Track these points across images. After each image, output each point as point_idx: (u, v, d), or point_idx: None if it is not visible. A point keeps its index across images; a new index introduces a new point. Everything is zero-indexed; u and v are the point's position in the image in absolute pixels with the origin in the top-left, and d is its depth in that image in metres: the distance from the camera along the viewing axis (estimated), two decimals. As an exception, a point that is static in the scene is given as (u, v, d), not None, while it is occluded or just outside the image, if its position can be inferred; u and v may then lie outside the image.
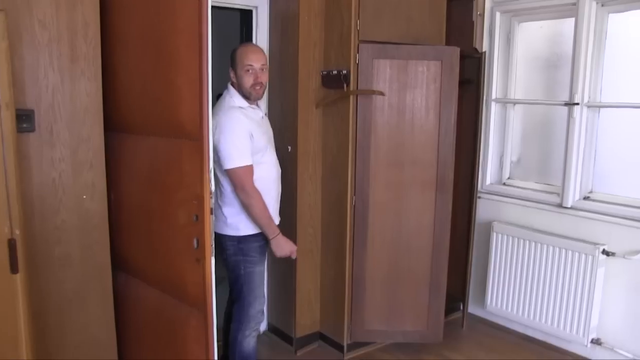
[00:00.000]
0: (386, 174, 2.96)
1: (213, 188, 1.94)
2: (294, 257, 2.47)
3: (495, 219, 3.55)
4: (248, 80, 2.34)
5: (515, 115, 3.67)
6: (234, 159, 2.29)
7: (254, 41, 3.17)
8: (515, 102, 3.60)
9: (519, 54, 3.59)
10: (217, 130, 2.23)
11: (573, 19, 3.10)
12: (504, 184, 3.68)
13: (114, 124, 2.33)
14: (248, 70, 2.33)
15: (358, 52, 2.82)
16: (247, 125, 2.29)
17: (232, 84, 2.43)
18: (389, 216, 3.01)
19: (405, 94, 2.91)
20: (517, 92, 3.63)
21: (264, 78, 2.38)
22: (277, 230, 2.41)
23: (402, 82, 2.89)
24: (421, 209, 3.02)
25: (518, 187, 3.58)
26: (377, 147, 2.93)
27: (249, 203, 2.33)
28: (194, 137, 1.92)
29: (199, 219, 1.92)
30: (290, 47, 2.99)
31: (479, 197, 3.57)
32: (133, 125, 2.28)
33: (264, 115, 2.53)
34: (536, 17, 3.46)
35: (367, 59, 2.85)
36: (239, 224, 2.41)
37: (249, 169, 2.31)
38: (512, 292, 3.40)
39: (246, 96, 2.38)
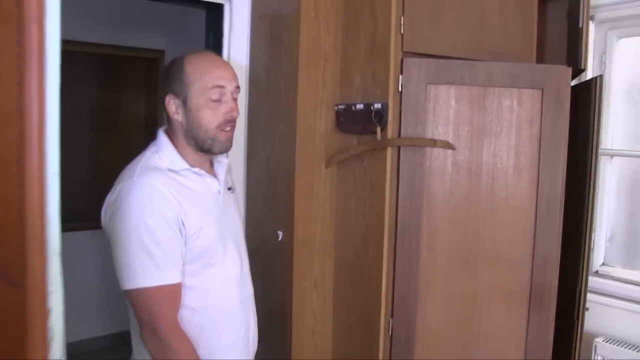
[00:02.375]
0: (448, 280, 1.77)
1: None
2: None
3: (598, 333, 2.29)
4: (216, 115, 1.35)
5: (612, 171, 2.50)
6: (136, 274, 1.24)
7: (225, 55, 1.98)
8: (613, 154, 2.47)
9: (617, 82, 2.47)
10: (112, 214, 1.28)
11: None
12: (597, 272, 2.50)
13: None
14: (215, 97, 1.34)
15: (402, 73, 1.66)
16: (175, 208, 1.27)
17: (170, 127, 1.39)
18: (451, 350, 1.74)
19: (482, 144, 1.74)
20: (615, 138, 2.50)
21: (238, 109, 1.41)
22: None
23: (477, 124, 1.73)
24: (505, 337, 1.81)
25: (621, 279, 2.34)
26: (432, 234, 1.75)
27: (160, 351, 1.25)
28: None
29: None
30: (284, 63, 1.86)
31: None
32: None
33: (223, 188, 1.45)
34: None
35: (418, 84, 1.69)
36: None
37: (170, 290, 1.26)
38: None
39: (200, 147, 1.37)
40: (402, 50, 1.69)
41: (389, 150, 1.71)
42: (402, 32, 1.69)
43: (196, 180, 1.36)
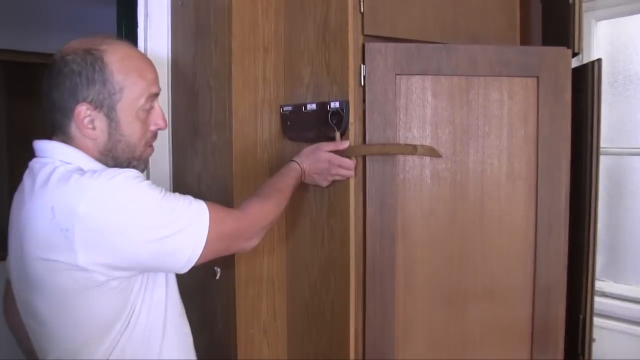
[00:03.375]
0: (431, 320, 1.43)
1: None
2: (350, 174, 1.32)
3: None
4: (144, 128, 1.08)
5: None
6: (191, 213, 1.03)
7: (141, 48, 1.64)
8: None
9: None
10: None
11: None
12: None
13: None
14: (149, 107, 1.08)
15: (364, 62, 1.33)
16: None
17: (69, 143, 1.05)
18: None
19: (468, 149, 1.41)
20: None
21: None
22: (296, 166, 1.35)
23: (460, 123, 1.40)
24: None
25: (616, 296, 2.10)
26: (410, 265, 1.40)
27: (265, 213, 1.19)
28: None
29: None
30: (214, 57, 1.51)
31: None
32: None
33: None
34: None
35: (385, 76, 1.35)
36: None
37: (215, 205, 1.09)
38: None
39: (119, 162, 1.07)
40: (362, 34, 1.34)
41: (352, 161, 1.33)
42: (361, 10, 1.33)
43: None
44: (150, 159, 1.58)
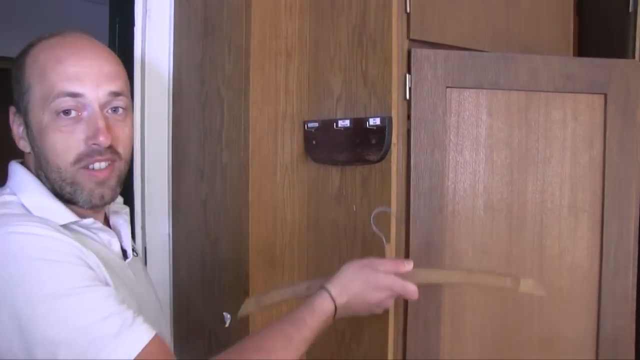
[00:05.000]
0: None
1: None
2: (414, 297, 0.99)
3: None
4: (71, 141, 0.84)
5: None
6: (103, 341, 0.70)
7: (138, 54, 1.46)
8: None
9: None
10: None
11: None
12: None
13: None
14: (65, 109, 0.83)
15: (410, 71, 1.15)
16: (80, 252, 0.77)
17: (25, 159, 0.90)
18: None
19: (526, 176, 1.23)
20: None
21: (122, 134, 0.89)
22: (328, 300, 0.93)
23: (518, 147, 1.23)
24: None
25: None
26: (458, 312, 1.22)
27: None
28: None
29: None
30: (227, 62, 1.33)
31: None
32: None
33: (130, 249, 0.98)
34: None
35: (435, 88, 1.18)
36: None
37: (157, 344, 0.74)
38: None
39: (59, 194, 0.85)
40: (408, 38, 1.15)
41: (394, 188, 1.13)
42: (407, 10, 1.15)
43: (90, 238, 0.88)
44: (146, 181, 1.39)
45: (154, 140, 1.44)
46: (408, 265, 0.95)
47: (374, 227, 1.01)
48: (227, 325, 1.26)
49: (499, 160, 1.19)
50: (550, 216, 1.22)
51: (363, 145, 1.15)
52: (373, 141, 1.14)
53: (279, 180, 1.27)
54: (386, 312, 1.11)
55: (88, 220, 0.86)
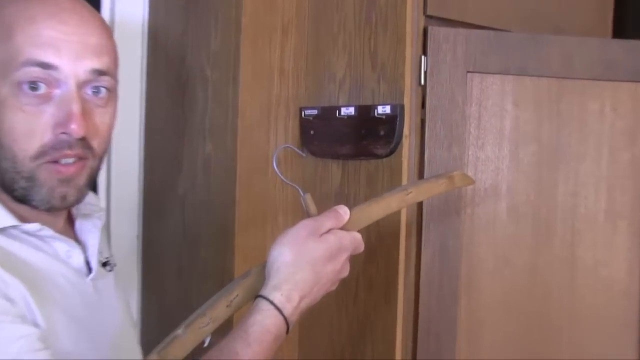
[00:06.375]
0: None
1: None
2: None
3: None
4: (36, 125, 0.85)
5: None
6: None
7: (106, 12, 1.63)
8: None
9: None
10: None
11: None
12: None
13: None
14: (32, 82, 0.84)
15: (426, 52, 1.33)
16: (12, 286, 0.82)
17: None
18: None
19: (556, 176, 1.40)
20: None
21: (100, 124, 0.92)
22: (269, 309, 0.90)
23: (548, 142, 1.41)
24: None
25: None
26: (475, 328, 1.41)
27: None
28: None
29: None
30: (213, 36, 1.51)
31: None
32: None
33: (96, 263, 1.01)
34: None
35: (454, 73, 1.35)
36: None
37: None
38: None
39: (8, 189, 0.89)
40: (424, 14, 1.32)
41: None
42: None
43: (36, 248, 0.90)
44: (112, 173, 1.59)
45: (123, 125, 1.48)
46: (346, 212, 0.98)
47: (281, 176, 1.03)
48: (205, 345, 1.42)
49: (525, 157, 1.36)
50: (584, 222, 1.39)
51: (369, 137, 1.32)
52: (381, 132, 1.30)
53: (270, 175, 1.43)
54: (392, 327, 1.30)
55: (32, 226, 0.88)
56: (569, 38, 1.38)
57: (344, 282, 1.33)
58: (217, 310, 0.90)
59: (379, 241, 1.35)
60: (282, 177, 1.01)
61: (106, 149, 0.95)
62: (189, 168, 1.54)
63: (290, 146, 1.22)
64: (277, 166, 1.02)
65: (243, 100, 1.40)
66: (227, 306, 0.90)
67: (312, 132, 1.45)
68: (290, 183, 1.03)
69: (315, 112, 1.45)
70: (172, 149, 1.58)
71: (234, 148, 1.40)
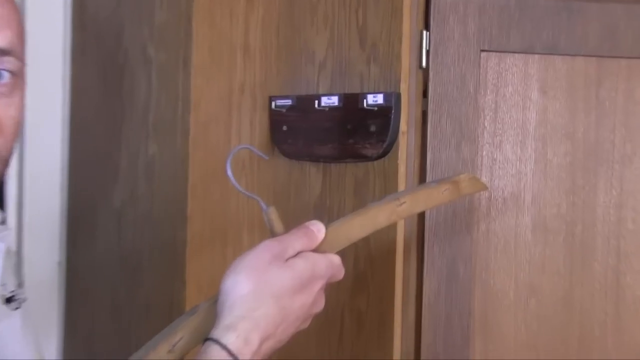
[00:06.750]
0: None
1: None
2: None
3: None
4: None
5: None
6: None
7: None
8: None
9: None
10: None
11: None
12: None
13: None
14: None
15: (429, 27, 1.35)
16: None
17: None
18: None
19: (595, 181, 1.37)
20: None
21: (4, 117, 0.87)
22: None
23: (584, 138, 1.37)
24: None
25: None
26: None
27: None
28: None
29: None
30: (160, 5, 1.53)
31: None
32: None
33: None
34: None
35: (464, 52, 1.35)
36: None
37: None
38: None
39: None
40: None
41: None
42: None
43: None
44: (25, 183, 1.60)
45: (40, 120, 1.56)
46: (320, 229, 0.93)
47: (235, 184, 0.97)
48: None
49: (555, 159, 1.30)
50: (631, 241, 1.33)
51: (358, 133, 1.29)
52: (372, 128, 1.27)
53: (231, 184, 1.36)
54: (389, 341, 1.29)
55: None
56: (612, 5, 1.32)
57: (326, 319, 1.38)
58: (157, 356, 0.84)
59: (370, 266, 1.34)
60: (237, 185, 0.93)
61: (12, 150, 0.90)
62: (127, 174, 1.53)
63: (248, 147, 1.13)
64: (232, 172, 0.95)
65: (197, 87, 1.38)
66: (169, 351, 0.84)
67: (285, 127, 1.42)
68: (247, 193, 0.95)
69: (289, 102, 1.42)
70: (106, 151, 1.57)
71: (185, 149, 1.39)
